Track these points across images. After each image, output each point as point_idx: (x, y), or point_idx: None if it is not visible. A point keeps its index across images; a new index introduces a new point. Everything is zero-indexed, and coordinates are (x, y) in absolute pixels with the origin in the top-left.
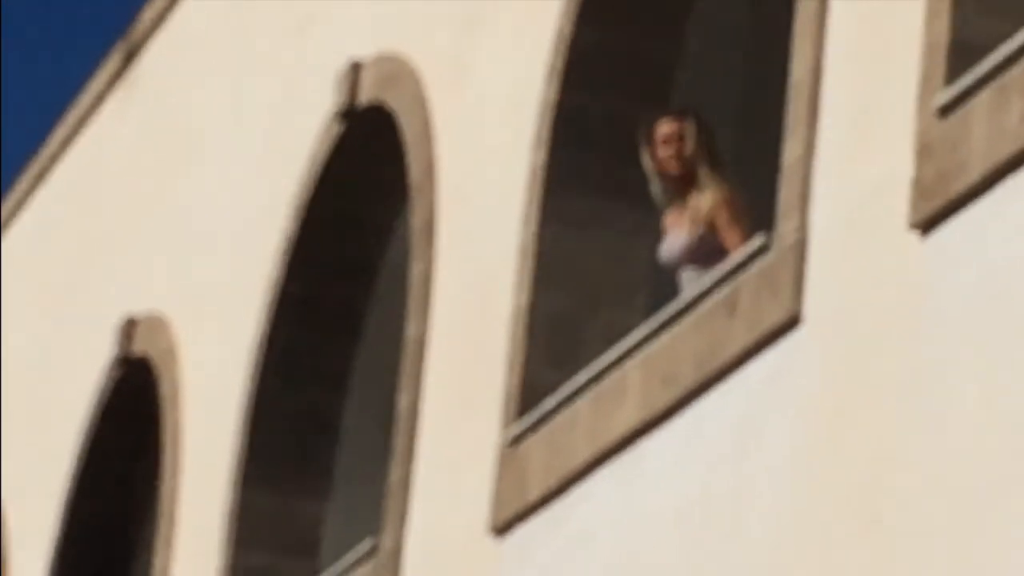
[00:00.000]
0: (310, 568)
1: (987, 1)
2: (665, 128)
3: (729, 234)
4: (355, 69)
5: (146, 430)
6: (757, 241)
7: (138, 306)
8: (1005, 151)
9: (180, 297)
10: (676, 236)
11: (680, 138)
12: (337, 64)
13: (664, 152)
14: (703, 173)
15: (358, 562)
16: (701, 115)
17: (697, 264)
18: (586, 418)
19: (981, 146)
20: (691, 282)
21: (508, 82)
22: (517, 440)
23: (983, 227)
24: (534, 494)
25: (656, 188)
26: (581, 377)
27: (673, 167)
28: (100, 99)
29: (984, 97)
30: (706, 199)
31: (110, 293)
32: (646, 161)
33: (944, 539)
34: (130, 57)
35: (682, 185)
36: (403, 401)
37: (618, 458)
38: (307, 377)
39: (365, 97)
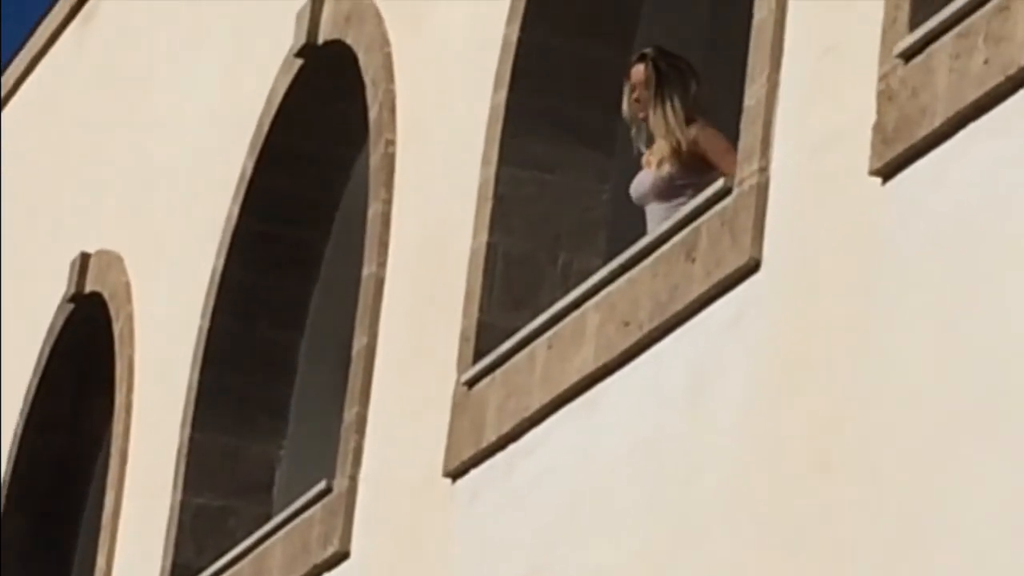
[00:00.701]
0: (262, 509)
1: None
2: (633, 74)
3: (727, 158)
4: (316, 5)
5: (99, 367)
6: (717, 184)
7: (92, 243)
8: (967, 97)
9: (135, 234)
10: (646, 173)
11: (647, 82)
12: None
13: (632, 95)
14: (661, 114)
15: (310, 503)
16: (666, 55)
17: (663, 200)
18: (543, 361)
19: (943, 92)
20: (655, 218)
21: (469, 20)
22: (473, 382)
23: (944, 173)
24: (490, 437)
25: (635, 132)
26: (539, 320)
27: (640, 110)
28: (56, 35)
29: (947, 42)
30: (691, 132)
31: (64, 229)
32: (625, 105)
33: (896, 484)
34: None
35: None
36: (358, 342)
37: (575, 402)
38: (262, 316)
39: (325, 34)
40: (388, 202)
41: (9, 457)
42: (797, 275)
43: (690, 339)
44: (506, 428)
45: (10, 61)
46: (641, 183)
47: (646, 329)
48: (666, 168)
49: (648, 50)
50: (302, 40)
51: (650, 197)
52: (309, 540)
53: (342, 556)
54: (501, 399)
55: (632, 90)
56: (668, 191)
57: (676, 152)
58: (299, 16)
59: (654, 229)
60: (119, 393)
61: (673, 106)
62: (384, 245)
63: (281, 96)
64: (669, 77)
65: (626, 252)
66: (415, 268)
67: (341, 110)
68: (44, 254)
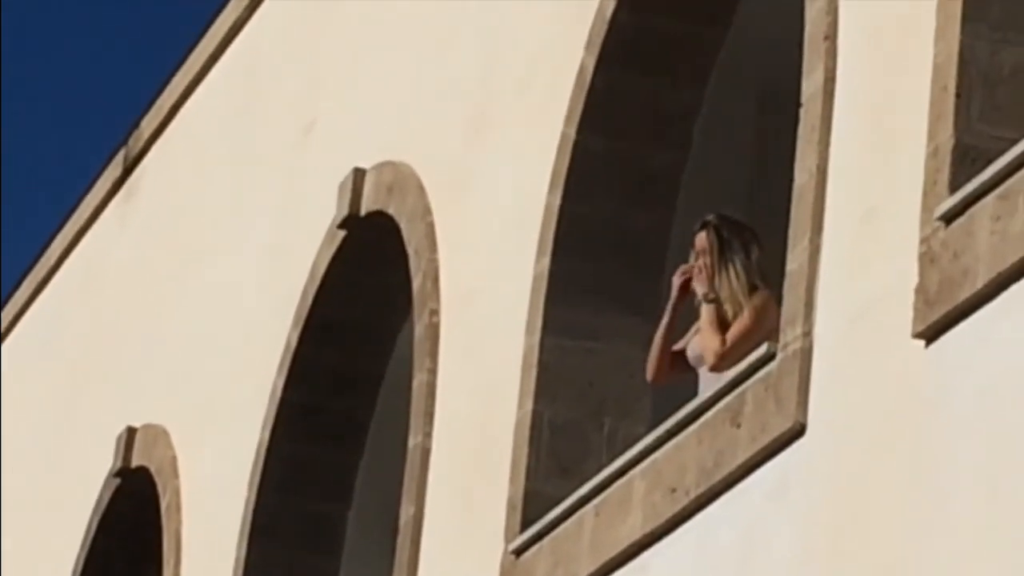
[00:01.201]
0: None
1: (990, 107)
2: (696, 241)
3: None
4: (358, 176)
5: (146, 542)
6: (762, 349)
7: (138, 417)
8: (1009, 259)
9: (180, 407)
10: (700, 339)
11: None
12: (340, 171)
13: (696, 263)
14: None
15: None
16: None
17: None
18: (591, 529)
19: (985, 254)
20: (708, 383)
21: (511, 189)
22: (521, 551)
23: (987, 335)
24: None
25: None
26: (585, 487)
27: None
28: (100, 208)
29: (988, 204)
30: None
31: (110, 403)
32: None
33: None
34: (130, 166)
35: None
36: (406, 512)
37: (623, 569)
38: (309, 488)
39: (368, 204)
40: (433, 372)
41: None
42: (842, 439)
43: (737, 505)
44: None
45: (53, 237)
46: (693, 348)
47: (692, 495)
48: (712, 362)
49: (711, 217)
50: (344, 211)
51: (700, 363)
52: None
53: None
54: (549, 567)
55: (696, 258)
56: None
57: (724, 327)
58: (342, 187)
59: (705, 393)
60: (167, 567)
61: (736, 271)
62: (430, 415)
63: (325, 267)
64: (731, 244)
65: (671, 418)
66: (461, 437)
67: (385, 280)
68: (91, 429)
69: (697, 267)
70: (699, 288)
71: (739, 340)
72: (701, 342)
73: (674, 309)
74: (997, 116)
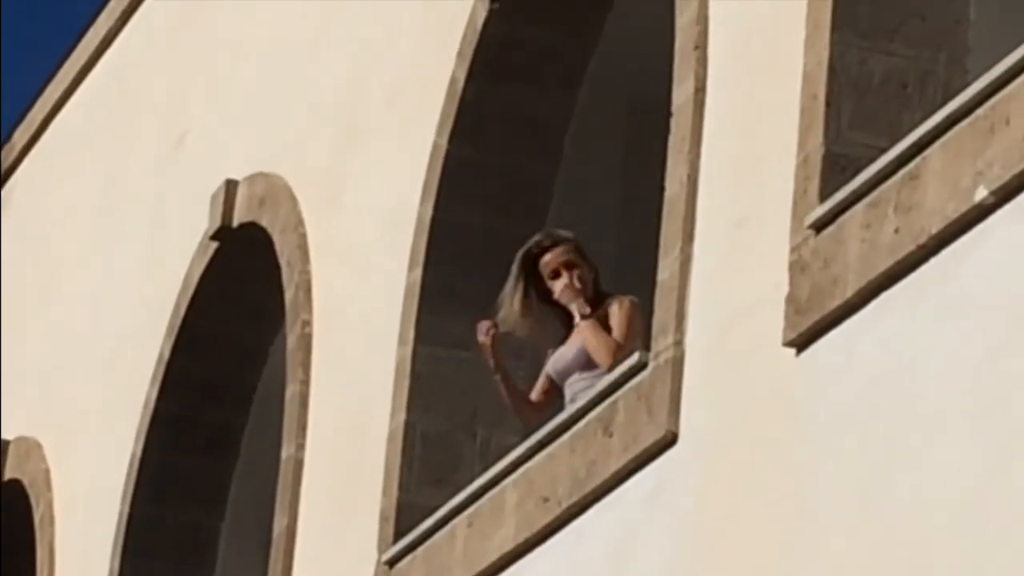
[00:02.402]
0: None
1: (860, 116)
2: (559, 256)
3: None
4: (230, 187)
5: (20, 555)
6: (634, 358)
7: (10, 429)
8: (879, 267)
9: (53, 419)
10: (567, 348)
11: (575, 264)
12: (212, 182)
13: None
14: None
15: None
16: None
17: (585, 370)
18: (464, 539)
19: (855, 262)
20: (576, 389)
21: (383, 199)
22: (394, 562)
23: (856, 343)
24: None
25: (525, 319)
26: (458, 497)
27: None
28: None
29: (858, 212)
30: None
31: None
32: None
33: None
34: (2, 178)
35: (564, 313)
36: (279, 524)
37: None
38: (182, 500)
39: (240, 216)
40: (306, 383)
41: None
42: (715, 447)
43: (610, 514)
44: None
45: None
46: (561, 357)
47: (565, 505)
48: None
49: (556, 234)
50: (217, 223)
51: (573, 368)
52: None
53: None
54: None
55: (568, 268)
56: (590, 361)
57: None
58: (214, 199)
59: (575, 399)
60: None
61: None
62: (303, 426)
63: (197, 278)
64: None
65: (543, 428)
66: (334, 448)
67: (257, 292)
68: None
69: (564, 284)
70: (575, 305)
71: (627, 333)
72: (589, 348)
73: (497, 365)
74: (867, 124)
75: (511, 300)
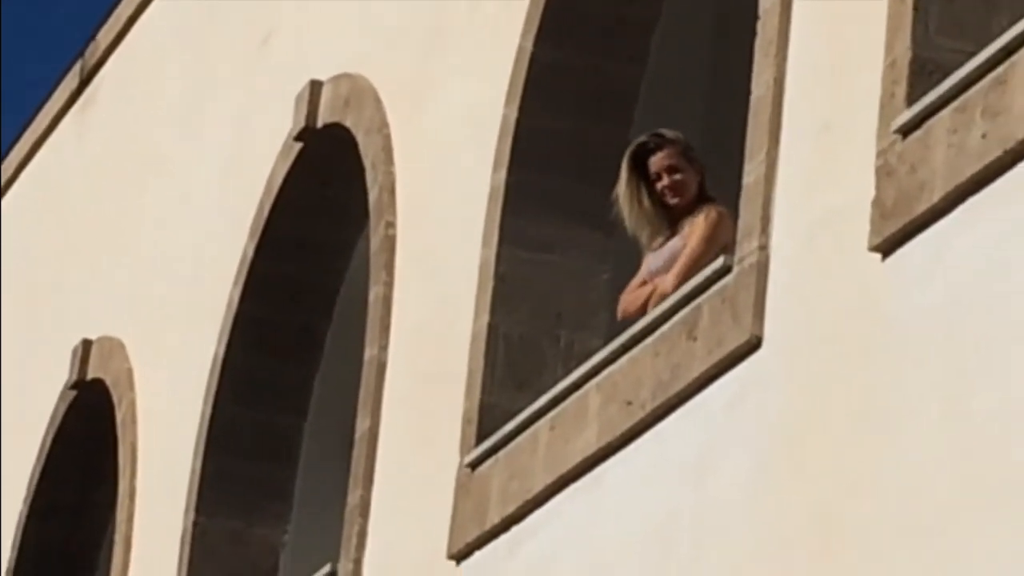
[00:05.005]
0: None
1: (948, 20)
2: (665, 159)
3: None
4: (314, 88)
5: (101, 454)
6: (718, 263)
7: (94, 329)
8: (966, 172)
9: (136, 320)
10: (662, 251)
11: (678, 168)
12: (297, 83)
13: (673, 177)
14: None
15: None
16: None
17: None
18: (546, 443)
19: (942, 167)
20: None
21: (468, 102)
22: (476, 464)
23: (943, 248)
24: (493, 519)
25: (640, 219)
26: (541, 401)
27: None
28: (56, 120)
29: (944, 117)
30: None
31: (66, 317)
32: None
33: (900, 560)
34: (87, 77)
35: (673, 213)
36: (361, 426)
37: (577, 483)
38: (264, 400)
39: (324, 117)
40: (389, 285)
41: (13, 545)
42: (799, 352)
43: (693, 418)
44: (510, 510)
45: (10, 148)
46: (657, 258)
47: (648, 409)
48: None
49: (663, 134)
50: (301, 124)
51: (662, 271)
52: None
53: None
54: (504, 481)
55: (659, 177)
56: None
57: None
58: (298, 100)
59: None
60: (122, 480)
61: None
62: (386, 328)
63: (281, 180)
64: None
65: (627, 332)
66: (417, 351)
67: (341, 193)
68: (46, 341)
69: (668, 184)
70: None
71: (702, 245)
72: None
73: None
74: (955, 29)
75: (625, 201)
